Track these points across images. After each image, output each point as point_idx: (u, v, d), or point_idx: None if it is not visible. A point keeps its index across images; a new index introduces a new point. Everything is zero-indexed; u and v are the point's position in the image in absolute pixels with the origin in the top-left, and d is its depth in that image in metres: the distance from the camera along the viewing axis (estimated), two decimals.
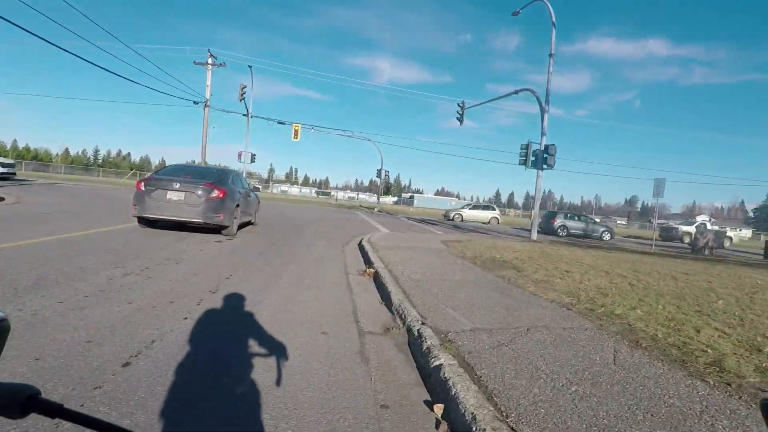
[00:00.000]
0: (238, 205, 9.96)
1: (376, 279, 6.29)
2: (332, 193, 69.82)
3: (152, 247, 7.12)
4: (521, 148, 16.06)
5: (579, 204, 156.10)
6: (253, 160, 36.10)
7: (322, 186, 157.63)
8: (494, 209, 36.57)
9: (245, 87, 30.13)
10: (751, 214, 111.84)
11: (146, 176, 10.19)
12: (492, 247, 11.40)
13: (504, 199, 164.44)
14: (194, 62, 37.57)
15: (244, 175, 36.80)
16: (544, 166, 15.61)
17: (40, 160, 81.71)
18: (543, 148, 15.60)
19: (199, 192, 8.82)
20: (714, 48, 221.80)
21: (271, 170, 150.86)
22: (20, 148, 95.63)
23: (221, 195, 9.02)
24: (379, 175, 36.85)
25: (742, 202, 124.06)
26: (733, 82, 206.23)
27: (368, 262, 7.74)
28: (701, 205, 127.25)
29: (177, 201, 8.72)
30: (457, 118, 25.06)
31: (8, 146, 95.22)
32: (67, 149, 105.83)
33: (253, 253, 7.85)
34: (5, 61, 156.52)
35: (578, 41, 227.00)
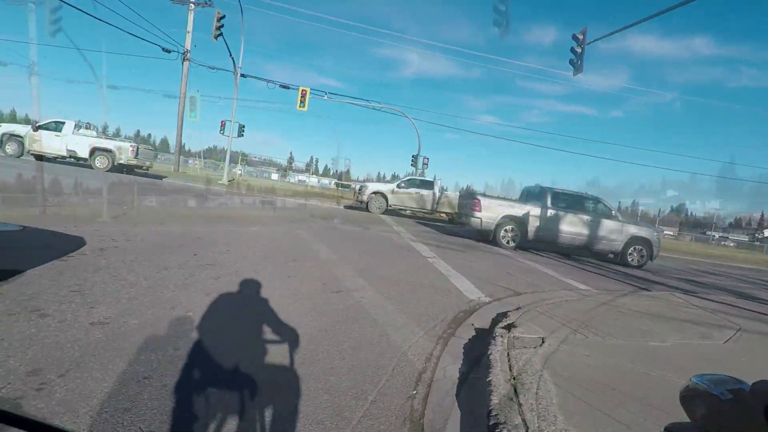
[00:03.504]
0: None
1: None
2: (353, 186, 58.65)
3: None
4: None
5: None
6: (241, 134, 25.43)
7: (343, 177, 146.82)
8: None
9: (223, 18, 19.25)
10: None
11: None
12: None
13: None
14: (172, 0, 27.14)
15: (227, 157, 26.18)
16: None
17: None
18: None
19: None
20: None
21: (291, 159, 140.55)
22: None
23: None
24: (414, 162, 25.72)
25: None
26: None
27: None
28: None
29: None
30: (571, 62, 13.80)
31: None
32: None
33: None
34: None
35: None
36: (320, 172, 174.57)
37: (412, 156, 25.59)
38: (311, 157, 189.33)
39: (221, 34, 19.63)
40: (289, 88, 27.45)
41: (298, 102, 25.28)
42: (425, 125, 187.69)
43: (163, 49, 25.21)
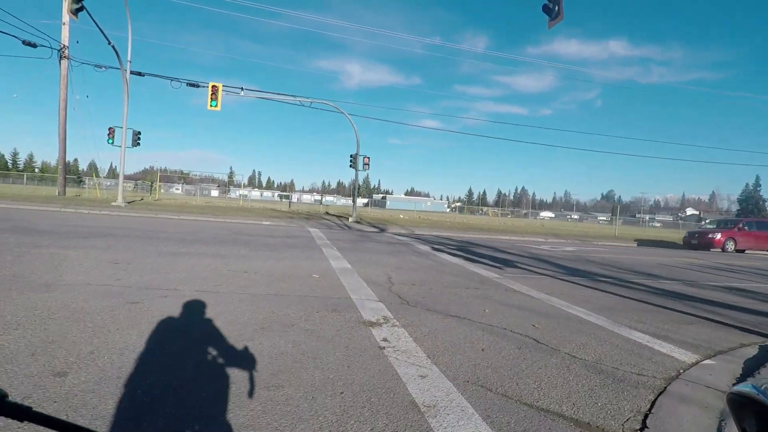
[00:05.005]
0: None
1: None
2: (290, 196, 53.35)
3: None
4: None
5: (550, 201, 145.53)
6: (137, 143, 19.81)
7: (287, 189, 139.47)
8: None
9: None
10: (725, 206, 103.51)
11: None
12: None
13: (475, 197, 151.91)
14: None
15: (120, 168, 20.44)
16: None
17: None
18: None
19: None
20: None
21: (231, 174, 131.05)
22: None
23: None
24: (353, 163, 21.39)
25: (712, 193, 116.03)
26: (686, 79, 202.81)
27: None
28: (689, 198, 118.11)
29: None
30: (545, 8, 10.20)
31: None
32: None
33: None
34: None
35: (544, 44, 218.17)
36: (263, 185, 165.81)
37: (351, 156, 21.23)
38: (254, 170, 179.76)
39: (83, 9, 14.18)
40: (198, 86, 22.11)
41: (209, 101, 20.21)
42: (367, 129, 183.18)
43: (23, 42, 19.12)
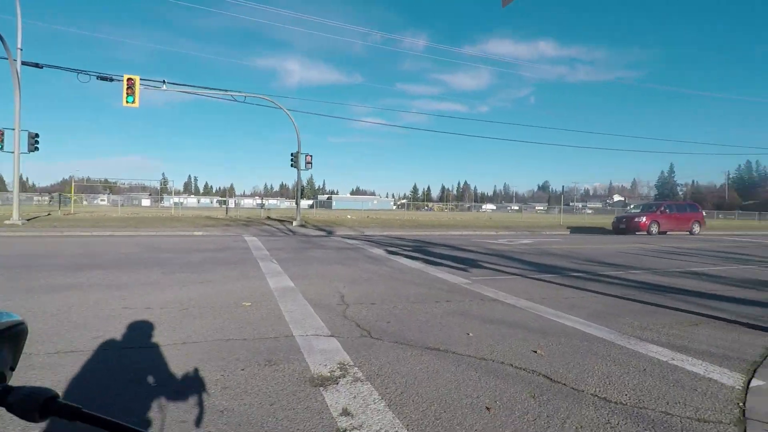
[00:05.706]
0: None
1: None
2: (227, 201, 49.71)
3: None
4: None
5: (491, 194, 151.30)
6: (34, 147, 16.81)
7: (226, 194, 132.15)
8: None
9: None
10: (645, 192, 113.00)
11: None
12: None
13: (420, 194, 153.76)
14: None
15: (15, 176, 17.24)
16: None
17: None
18: None
19: None
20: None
21: (164, 180, 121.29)
22: None
23: None
24: (294, 162, 19.76)
25: (634, 181, 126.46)
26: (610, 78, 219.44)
27: None
28: (614, 186, 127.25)
29: None
30: None
31: None
32: None
33: None
34: None
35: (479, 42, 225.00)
36: (201, 191, 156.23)
37: (292, 154, 19.58)
38: (189, 176, 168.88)
39: None
40: (111, 79, 19.26)
41: (125, 96, 17.67)
42: (309, 129, 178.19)
43: None
